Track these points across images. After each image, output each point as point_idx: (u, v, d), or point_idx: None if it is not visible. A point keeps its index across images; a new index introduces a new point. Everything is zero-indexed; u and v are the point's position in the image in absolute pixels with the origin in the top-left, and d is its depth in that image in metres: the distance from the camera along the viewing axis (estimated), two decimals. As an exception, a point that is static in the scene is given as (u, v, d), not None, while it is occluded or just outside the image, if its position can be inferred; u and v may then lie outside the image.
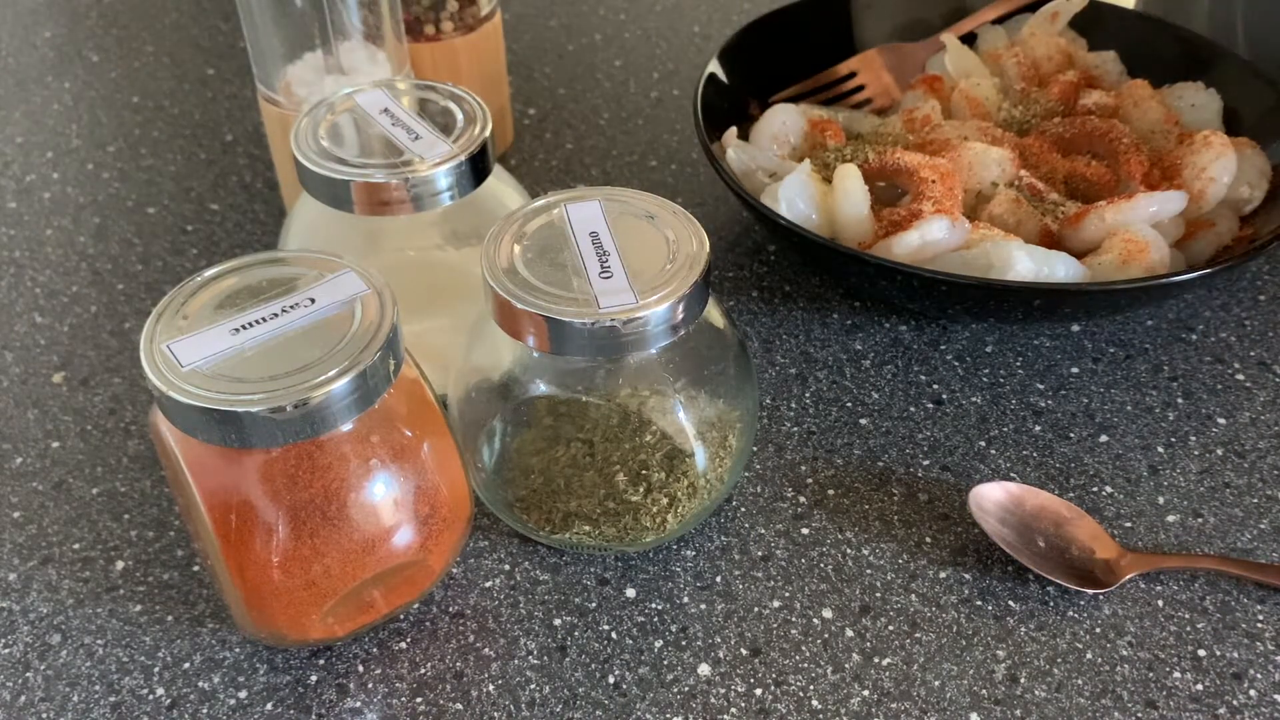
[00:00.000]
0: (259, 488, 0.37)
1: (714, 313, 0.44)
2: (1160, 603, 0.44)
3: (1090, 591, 0.44)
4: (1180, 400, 0.53)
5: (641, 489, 0.43)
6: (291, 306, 0.37)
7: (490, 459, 0.45)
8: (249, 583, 0.38)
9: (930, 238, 0.51)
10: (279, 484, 0.37)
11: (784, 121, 0.62)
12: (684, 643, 0.43)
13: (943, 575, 0.45)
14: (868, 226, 0.54)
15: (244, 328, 0.37)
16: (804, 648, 0.43)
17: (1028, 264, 0.50)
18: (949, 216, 0.51)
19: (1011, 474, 0.49)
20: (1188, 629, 0.43)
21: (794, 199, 0.55)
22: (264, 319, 0.37)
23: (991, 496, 0.46)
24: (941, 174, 0.54)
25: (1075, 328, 0.57)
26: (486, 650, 0.43)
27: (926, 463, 0.50)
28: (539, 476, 0.44)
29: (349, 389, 0.35)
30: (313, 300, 0.38)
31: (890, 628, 0.44)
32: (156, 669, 0.42)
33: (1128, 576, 0.44)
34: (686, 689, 0.42)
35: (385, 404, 0.38)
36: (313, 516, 0.37)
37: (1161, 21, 0.67)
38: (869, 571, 0.46)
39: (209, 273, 0.39)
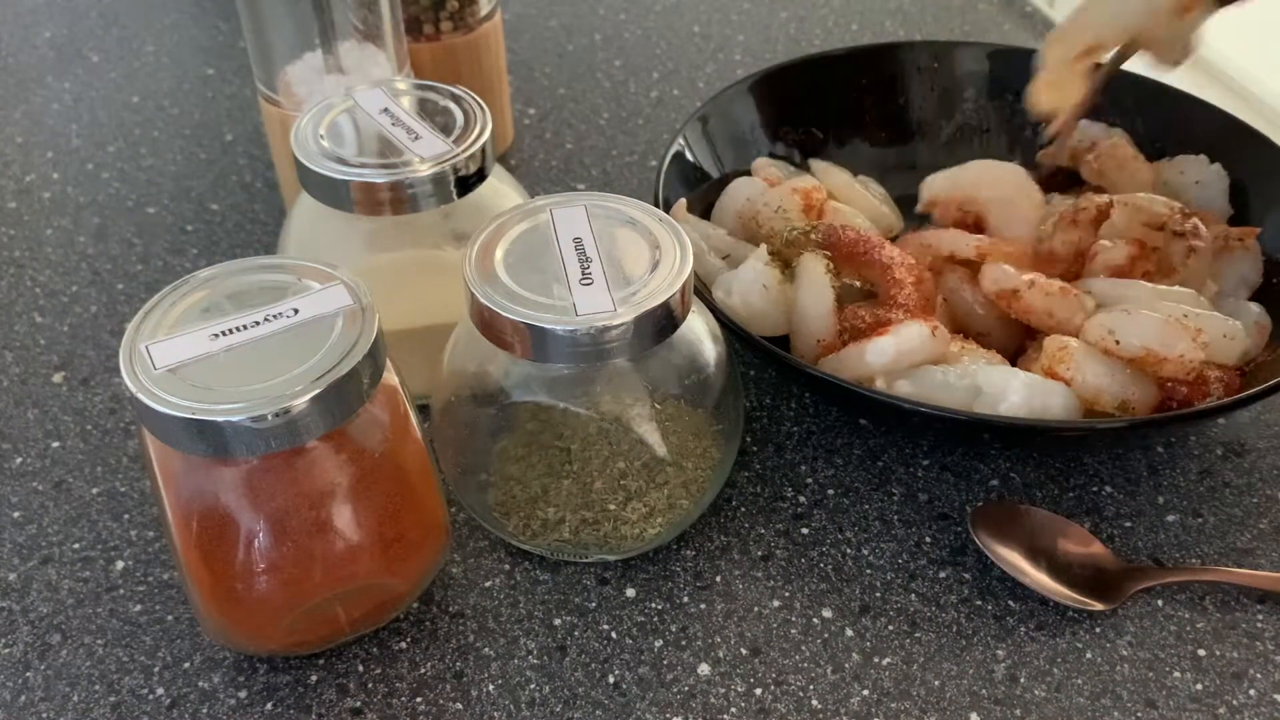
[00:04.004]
0: (219, 496, 0.37)
1: (699, 321, 0.43)
2: (1160, 602, 0.44)
3: (1096, 608, 0.43)
4: (1180, 400, 0.53)
5: (620, 498, 0.43)
6: (275, 316, 0.37)
7: (471, 464, 0.45)
8: (204, 588, 0.38)
9: (906, 347, 0.46)
10: (241, 495, 0.37)
11: (748, 198, 0.56)
12: (684, 642, 0.43)
13: (943, 575, 0.45)
14: (830, 323, 0.49)
15: (223, 334, 0.36)
16: (804, 647, 0.43)
17: (1023, 395, 0.45)
18: (927, 324, 0.47)
19: (1011, 474, 0.49)
20: (1187, 628, 0.43)
21: (748, 295, 0.50)
22: (244, 326, 0.37)
23: (990, 520, 0.46)
24: (916, 277, 0.49)
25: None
26: (486, 650, 0.43)
27: (926, 463, 0.50)
28: (517, 483, 0.44)
29: (313, 405, 0.35)
30: (296, 311, 0.37)
31: (890, 627, 0.44)
32: (156, 669, 0.42)
33: (1131, 593, 0.44)
34: (686, 689, 0.42)
35: (355, 423, 0.38)
36: (273, 530, 0.37)
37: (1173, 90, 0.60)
38: (869, 571, 0.46)
39: (203, 274, 0.39)
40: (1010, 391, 0.45)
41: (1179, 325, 0.46)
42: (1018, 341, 0.51)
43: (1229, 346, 0.47)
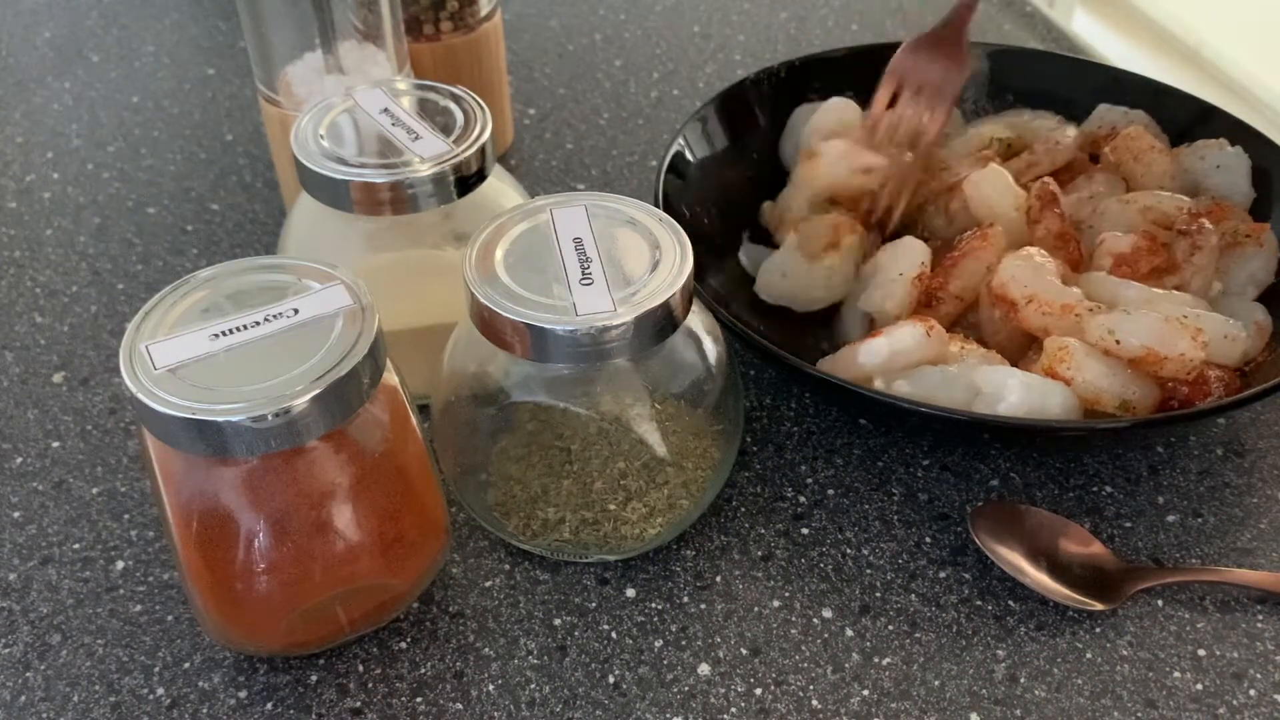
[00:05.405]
0: (219, 496, 0.37)
1: (699, 321, 0.43)
2: (1160, 602, 0.44)
3: (1096, 608, 0.43)
4: (1180, 400, 0.53)
5: (620, 498, 0.43)
6: (275, 316, 0.37)
7: (471, 464, 0.45)
8: (204, 588, 0.38)
9: (900, 347, 0.47)
10: (241, 495, 0.37)
11: (841, 119, 0.58)
12: (684, 642, 0.43)
13: (943, 575, 0.45)
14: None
15: (223, 334, 0.36)
16: (804, 647, 0.43)
17: (1021, 394, 0.45)
18: (922, 324, 0.47)
19: (1011, 474, 0.49)
20: (1187, 628, 0.43)
21: (773, 279, 0.54)
22: (244, 326, 0.37)
23: (990, 520, 0.46)
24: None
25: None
26: (486, 650, 0.43)
27: (926, 463, 0.50)
28: (517, 483, 0.44)
29: (313, 405, 0.35)
30: (296, 311, 0.37)
31: (890, 628, 0.44)
32: (156, 669, 0.42)
33: (1131, 593, 0.44)
34: (686, 689, 0.42)
35: (355, 423, 0.37)
36: (273, 530, 0.37)
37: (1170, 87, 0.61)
38: (869, 571, 0.46)
39: (203, 274, 0.39)
40: (1008, 391, 0.45)
41: (1179, 325, 0.46)
42: (1024, 342, 0.51)
43: (1229, 347, 0.47)
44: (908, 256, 0.52)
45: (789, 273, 0.54)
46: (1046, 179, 0.54)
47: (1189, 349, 0.45)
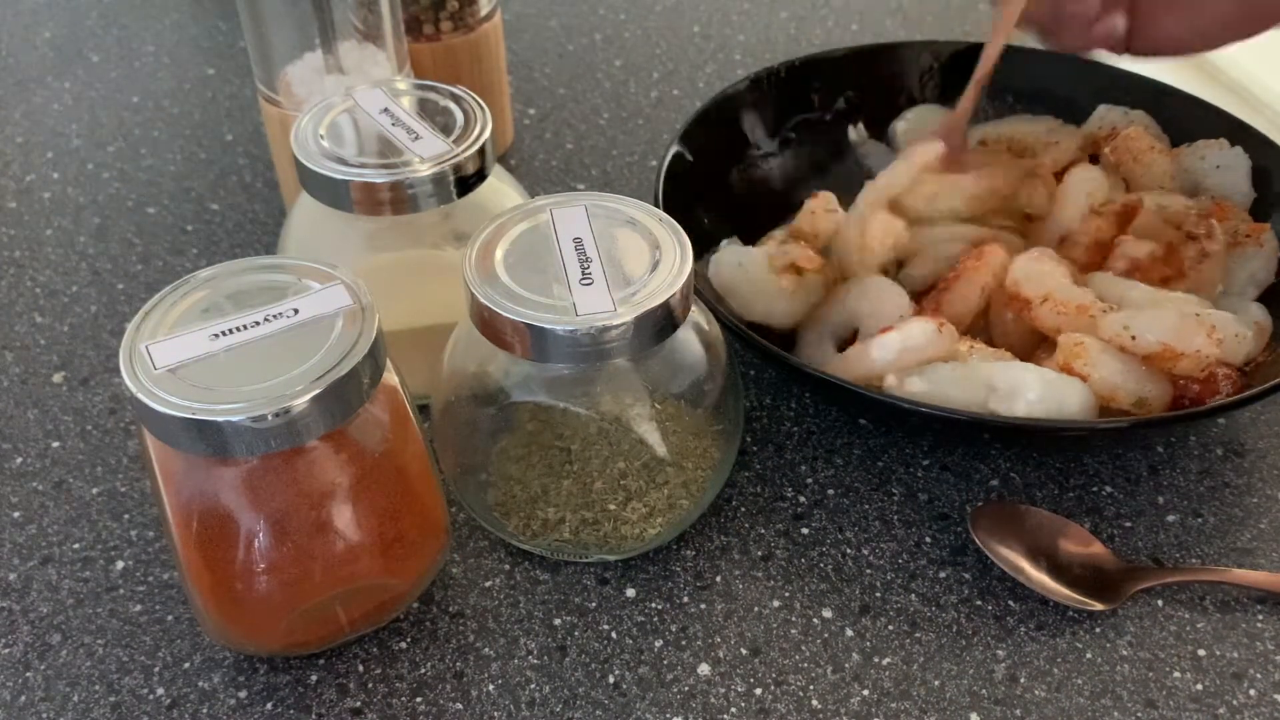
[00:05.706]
0: (219, 496, 0.37)
1: (699, 321, 0.43)
2: (1160, 602, 0.44)
3: (1096, 608, 0.43)
4: (1180, 400, 0.53)
5: (620, 498, 0.43)
6: (275, 316, 0.37)
7: (471, 464, 0.45)
8: (204, 588, 0.38)
9: (912, 343, 0.46)
10: (241, 495, 0.37)
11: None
12: (684, 642, 0.43)
13: (943, 575, 0.45)
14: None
15: (223, 334, 0.36)
16: (804, 647, 0.43)
17: (1040, 391, 0.44)
18: (934, 321, 0.47)
19: (1011, 474, 0.49)
20: (1187, 628, 0.43)
21: (722, 269, 0.52)
22: (244, 326, 0.37)
23: (990, 520, 0.46)
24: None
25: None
26: (486, 650, 0.43)
27: (926, 463, 0.50)
28: (517, 483, 0.44)
29: (313, 405, 0.35)
30: (296, 311, 0.37)
31: (890, 627, 0.44)
32: (156, 669, 0.42)
33: (1131, 593, 0.44)
34: (686, 689, 0.42)
35: (355, 423, 0.37)
36: (273, 530, 0.37)
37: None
38: (869, 571, 0.46)
39: (203, 274, 0.39)
40: (1027, 388, 0.44)
41: (1195, 321, 0.46)
42: (1032, 344, 0.51)
43: (1239, 346, 0.47)
44: (890, 302, 0.51)
45: (745, 263, 0.52)
46: (1141, 195, 0.54)
47: (1205, 345, 0.45)
